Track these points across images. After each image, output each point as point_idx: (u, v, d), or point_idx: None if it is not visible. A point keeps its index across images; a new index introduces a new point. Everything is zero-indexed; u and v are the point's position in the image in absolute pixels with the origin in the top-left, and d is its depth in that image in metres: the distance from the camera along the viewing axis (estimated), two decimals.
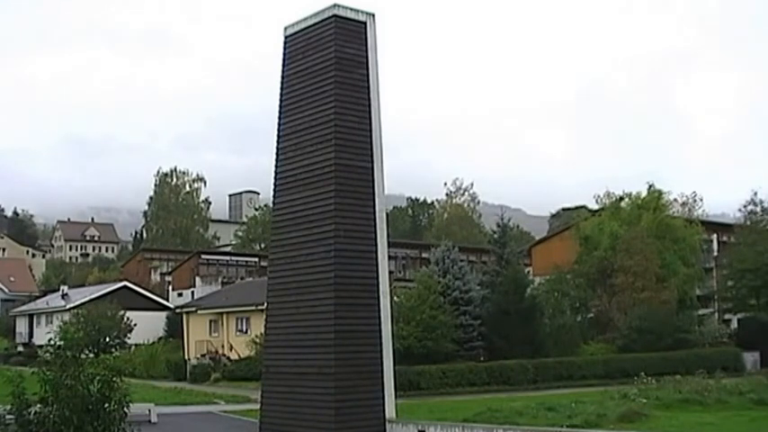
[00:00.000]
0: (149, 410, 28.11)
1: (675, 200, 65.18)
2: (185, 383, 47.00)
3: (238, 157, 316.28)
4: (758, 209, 59.60)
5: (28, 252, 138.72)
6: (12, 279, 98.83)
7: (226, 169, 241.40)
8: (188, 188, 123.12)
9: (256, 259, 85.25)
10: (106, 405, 14.48)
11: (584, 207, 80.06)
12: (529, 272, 63.51)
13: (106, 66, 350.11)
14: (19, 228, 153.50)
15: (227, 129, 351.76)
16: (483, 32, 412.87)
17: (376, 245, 21.09)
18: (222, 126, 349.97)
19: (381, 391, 20.52)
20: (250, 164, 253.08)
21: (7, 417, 14.83)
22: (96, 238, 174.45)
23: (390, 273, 30.45)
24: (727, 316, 61.88)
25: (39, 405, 14.33)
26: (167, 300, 77.60)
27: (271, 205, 30.23)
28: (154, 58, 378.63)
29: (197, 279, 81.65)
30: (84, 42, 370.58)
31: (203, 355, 52.72)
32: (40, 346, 53.98)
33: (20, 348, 70.18)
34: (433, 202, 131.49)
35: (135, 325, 58.77)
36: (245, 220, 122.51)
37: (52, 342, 15.25)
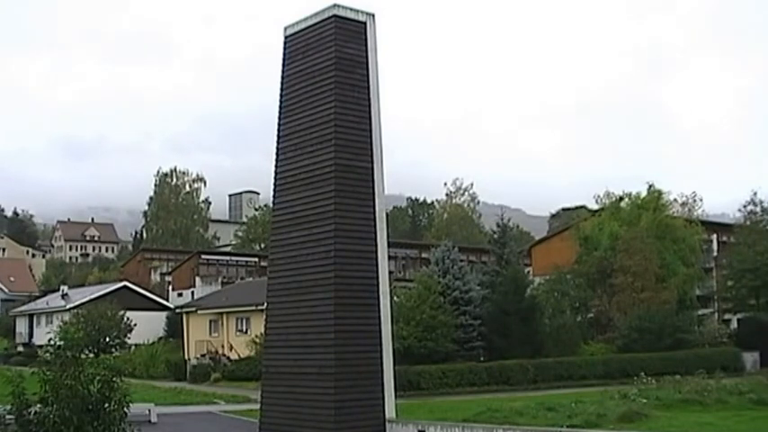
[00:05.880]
0: (149, 410, 28.11)
1: (675, 200, 65.00)
2: (185, 383, 46.97)
3: (234, 157, 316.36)
4: (758, 209, 59.56)
5: (28, 252, 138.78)
6: (12, 279, 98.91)
7: (222, 169, 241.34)
8: (188, 188, 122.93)
9: (256, 259, 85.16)
10: (106, 405, 14.49)
11: (583, 207, 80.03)
12: (529, 272, 63.49)
13: (100, 67, 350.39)
14: (19, 228, 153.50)
15: (223, 129, 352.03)
16: (483, 33, 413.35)
17: (376, 245, 21.11)
18: (218, 126, 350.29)
19: (381, 391, 20.54)
20: (246, 164, 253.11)
21: (7, 417, 14.85)
22: (96, 238, 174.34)
23: (390, 273, 30.46)
24: (726, 316, 61.77)
25: (39, 405, 14.32)
26: (167, 300, 77.60)
27: (271, 205, 30.23)
28: (148, 59, 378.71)
29: (197, 279, 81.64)
30: (79, 43, 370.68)
31: (203, 355, 52.70)
32: (40, 346, 54.06)
33: (20, 348, 70.27)
34: (432, 203, 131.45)
35: (135, 325, 58.74)
36: (245, 220, 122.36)
37: (52, 342, 15.27)
